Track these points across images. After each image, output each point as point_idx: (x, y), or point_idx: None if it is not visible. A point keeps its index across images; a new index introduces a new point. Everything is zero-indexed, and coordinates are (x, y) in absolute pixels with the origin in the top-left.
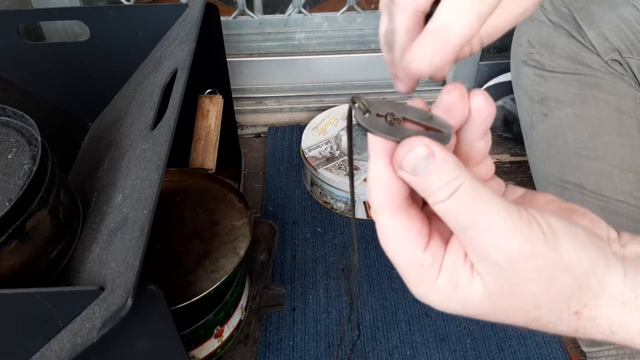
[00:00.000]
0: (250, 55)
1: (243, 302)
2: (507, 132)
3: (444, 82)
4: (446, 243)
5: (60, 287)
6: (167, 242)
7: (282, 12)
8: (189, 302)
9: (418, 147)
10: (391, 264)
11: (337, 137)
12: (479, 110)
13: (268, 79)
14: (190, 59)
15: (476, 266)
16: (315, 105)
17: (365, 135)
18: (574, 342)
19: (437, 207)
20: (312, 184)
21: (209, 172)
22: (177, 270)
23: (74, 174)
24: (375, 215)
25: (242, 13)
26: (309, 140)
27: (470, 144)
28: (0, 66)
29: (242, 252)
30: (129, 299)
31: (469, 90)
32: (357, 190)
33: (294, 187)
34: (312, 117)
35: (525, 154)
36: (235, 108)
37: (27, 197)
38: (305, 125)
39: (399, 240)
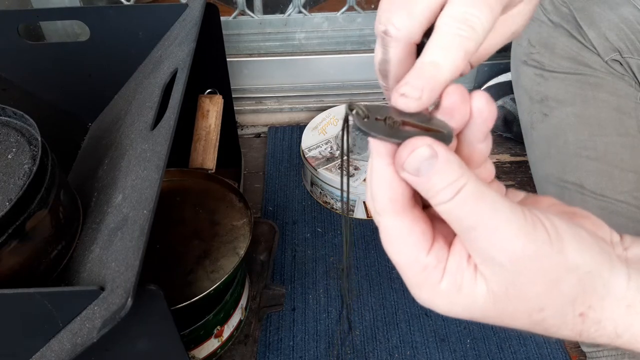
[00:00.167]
0: (250, 55)
1: (243, 302)
2: (507, 132)
3: None
4: (449, 245)
5: (60, 287)
6: (167, 242)
7: (282, 12)
8: (189, 302)
9: (421, 148)
10: (391, 264)
11: (337, 137)
12: (480, 112)
13: (268, 79)
14: (190, 59)
15: (480, 268)
16: (315, 105)
17: (366, 136)
18: (574, 342)
19: (441, 208)
20: (312, 184)
21: (209, 172)
22: (177, 270)
23: (74, 174)
24: (378, 217)
25: (242, 13)
26: (309, 140)
27: (471, 146)
28: (0, 66)
29: (242, 252)
30: (129, 299)
31: (469, 91)
32: (357, 190)
33: (294, 187)
34: (312, 117)
35: (525, 154)
36: (235, 108)
37: (27, 197)
38: (305, 125)
39: (403, 242)
